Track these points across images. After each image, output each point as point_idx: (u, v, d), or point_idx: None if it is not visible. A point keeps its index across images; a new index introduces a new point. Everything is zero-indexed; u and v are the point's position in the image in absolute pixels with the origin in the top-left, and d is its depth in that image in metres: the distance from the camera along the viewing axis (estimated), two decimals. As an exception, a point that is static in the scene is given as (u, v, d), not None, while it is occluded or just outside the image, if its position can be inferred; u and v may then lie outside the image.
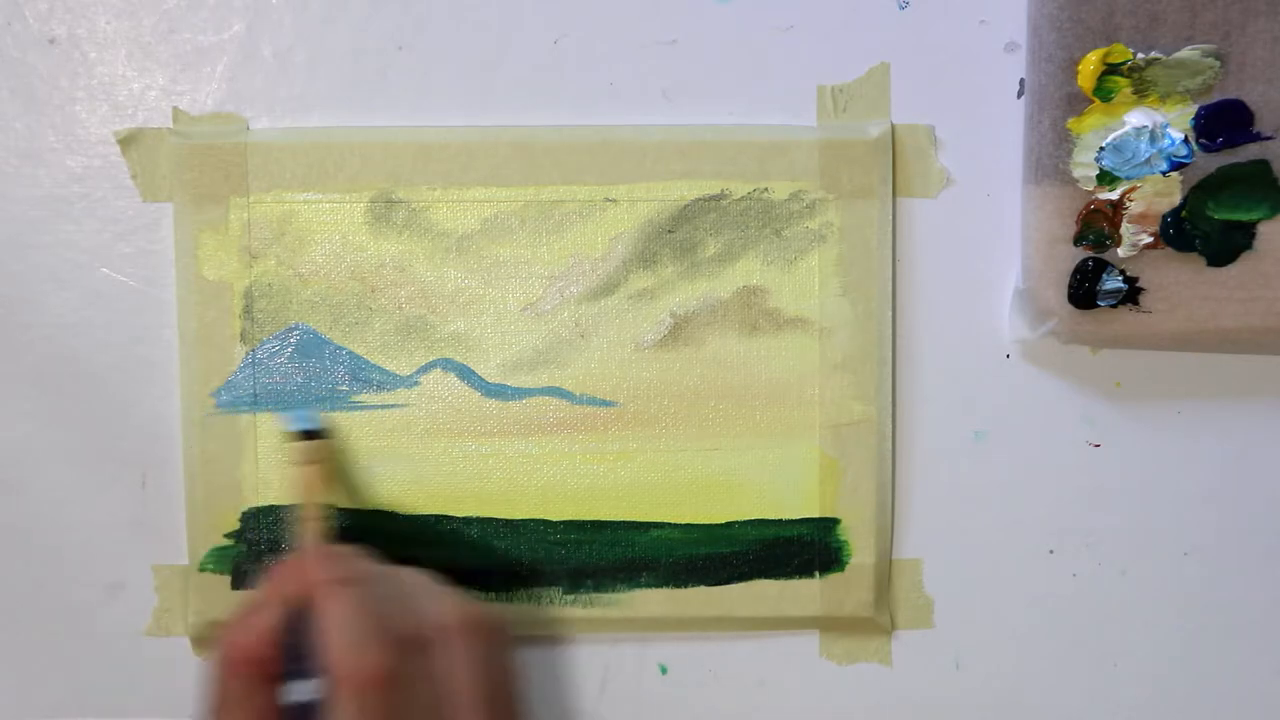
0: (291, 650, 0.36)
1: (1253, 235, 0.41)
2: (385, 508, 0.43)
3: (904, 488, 0.44)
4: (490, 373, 0.42)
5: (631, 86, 0.42)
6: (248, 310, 0.42)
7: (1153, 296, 0.41)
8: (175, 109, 0.42)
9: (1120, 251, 0.41)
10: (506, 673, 0.38)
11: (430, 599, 0.38)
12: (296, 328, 0.42)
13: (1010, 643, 0.44)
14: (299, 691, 0.35)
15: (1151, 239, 0.41)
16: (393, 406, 0.42)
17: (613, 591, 0.43)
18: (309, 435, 0.41)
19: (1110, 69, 0.40)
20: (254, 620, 0.36)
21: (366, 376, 0.42)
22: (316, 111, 0.42)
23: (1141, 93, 0.40)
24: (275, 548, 0.43)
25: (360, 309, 0.42)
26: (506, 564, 0.43)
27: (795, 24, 0.42)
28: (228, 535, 0.43)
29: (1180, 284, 0.41)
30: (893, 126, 0.42)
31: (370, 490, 0.43)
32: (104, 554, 0.43)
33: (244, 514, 0.43)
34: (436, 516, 0.43)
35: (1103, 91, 0.40)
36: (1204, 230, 0.41)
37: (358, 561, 0.38)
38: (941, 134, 0.43)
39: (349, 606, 0.35)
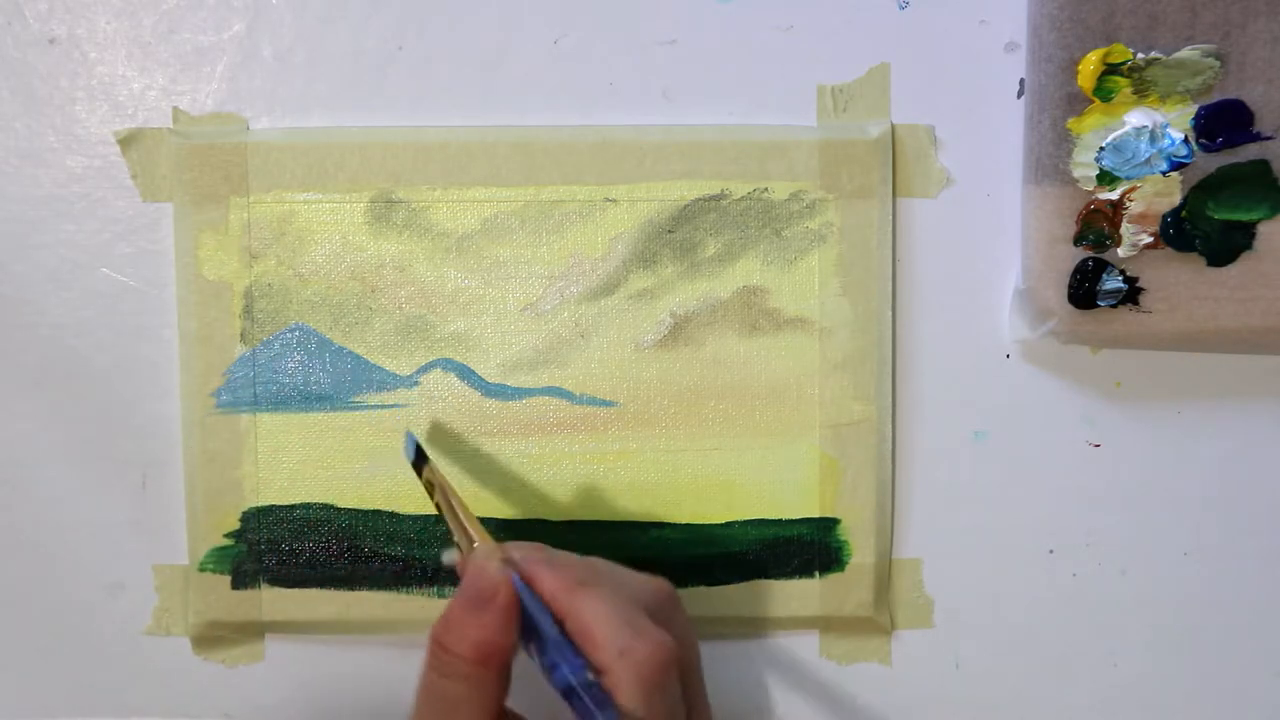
0: (549, 641, 0.34)
1: (1253, 235, 0.41)
2: (385, 508, 0.43)
3: (904, 488, 0.44)
4: (490, 373, 0.42)
5: (631, 86, 0.42)
6: (248, 310, 0.42)
7: (1153, 296, 0.41)
8: (175, 109, 0.42)
9: (1120, 251, 0.41)
10: (695, 634, 0.38)
11: (634, 577, 0.37)
12: (296, 328, 0.42)
13: (1010, 643, 0.44)
14: (571, 673, 0.34)
15: (1151, 239, 0.41)
16: (393, 406, 0.42)
17: (613, 591, 0.43)
18: (421, 458, 0.39)
19: (1110, 69, 0.40)
20: (489, 616, 0.34)
21: (366, 376, 0.42)
22: (316, 111, 0.42)
23: (1141, 93, 0.40)
24: (275, 547, 0.43)
25: (360, 309, 0.42)
26: (506, 564, 0.43)
27: (795, 24, 0.42)
28: (228, 535, 0.43)
29: (1180, 284, 0.41)
30: (893, 126, 0.42)
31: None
32: (104, 554, 0.43)
33: (244, 514, 0.43)
34: (437, 517, 0.43)
35: (1103, 91, 0.40)
36: (1204, 230, 0.41)
37: (567, 558, 0.37)
38: (941, 134, 0.43)
39: (601, 600, 0.34)
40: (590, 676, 0.33)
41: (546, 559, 0.36)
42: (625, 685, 0.33)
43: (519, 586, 0.35)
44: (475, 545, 0.37)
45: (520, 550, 0.36)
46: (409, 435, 0.40)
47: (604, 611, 0.34)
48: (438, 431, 0.43)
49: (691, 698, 0.36)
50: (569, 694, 0.34)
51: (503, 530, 0.43)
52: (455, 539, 0.38)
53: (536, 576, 0.35)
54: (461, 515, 0.37)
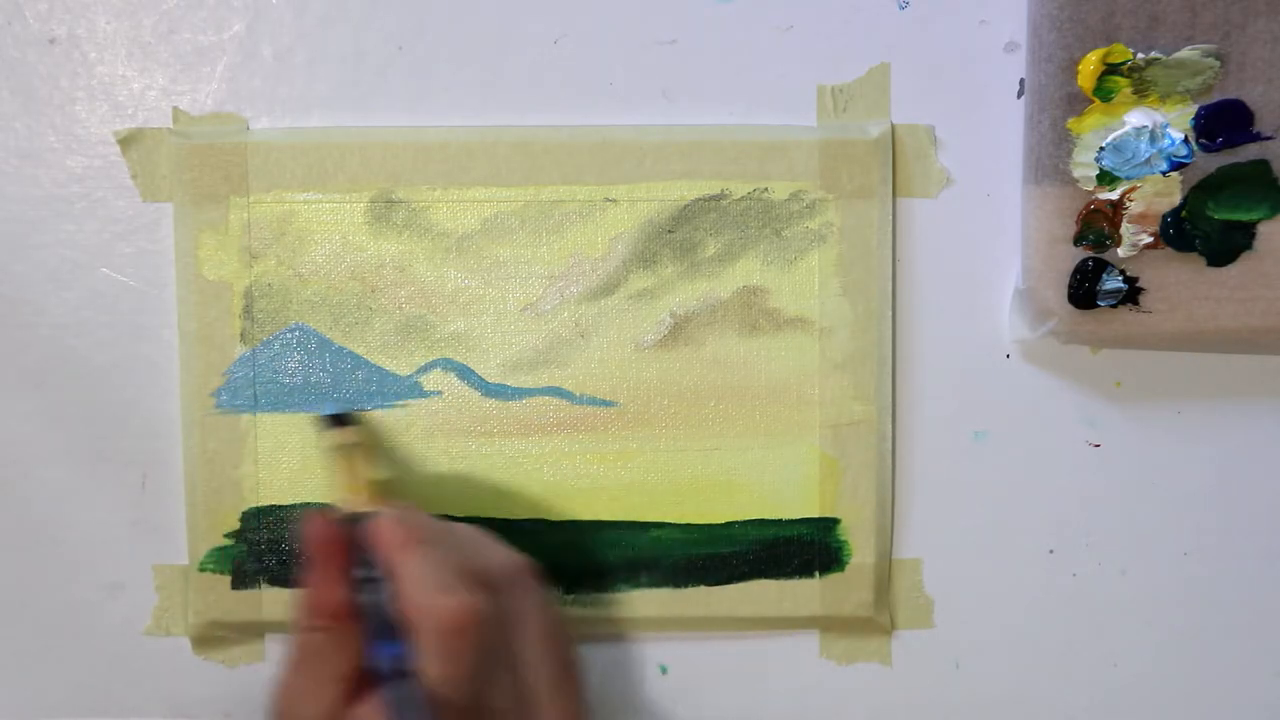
0: (372, 613, 0.36)
1: (1253, 235, 0.41)
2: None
3: (904, 488, 0.44)
4: (490, 373, 0.42)
5: (631, 86, 0.42)
6: (248, 310, 0.42)
7: (1153, 296, 0.41)
8: (175, 109, 0.42)
9: (1120, 251, 0.41)
10: (559, 614, 0.40)
11: (490, 548, 0.39)
12: (296, 328, 0.42)
13: (1010, 643, 0.44)
14: (386, 656, 0.36)
15: (1151, 239, 0.41)
16: (393, 406, 0.42)
17: (613, 591, 0.43)
18: (339, 421, 0.41)
19: (1110, 69, 0.40)
20: (327, 585, 0.37)
21: (366, 376, 0.42)
22: (316, 111, 0.42)
23: (1141, 93, 0.40)
24: (275, 547, 0.43)
25: (360, 309, 0.42)
26: (506, 564, 0.43)
27: (795, 24, 0.42)
28: (228, 535, 0.43)
29: (1180, 284, 0.41)
30: (893, 126, 0.42)
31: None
32: (104, 554, 0.43)
33: (244, 514, 0.43)
34: (437, 516, 0.43)
35: (1103, 91, 0.40)
36: (1204, 230, 0.41)
37: (418, 518, 0.38)
38: (941, 134, 0.43)
39: (425, 559, 0.36)
40: (400, 651, 0.36)
41: (396, 518, 0.38)
42: (423, 641, 0.35)
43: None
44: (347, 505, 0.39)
45: (386, 511, 0.38)
46: (340, 400, 0.42)
47: (421, 571, 0.36)
48: (436, 433, 0.42)
49: (543, 674, 0.38)
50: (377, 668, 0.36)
51: (504, 530, 0.43)
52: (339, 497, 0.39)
53: (379, 535, 0.37)
54: (358, 482, 0.39)
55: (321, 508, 0.40)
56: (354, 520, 0.38)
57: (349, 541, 0.38)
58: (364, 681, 0.36)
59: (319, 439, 0.41)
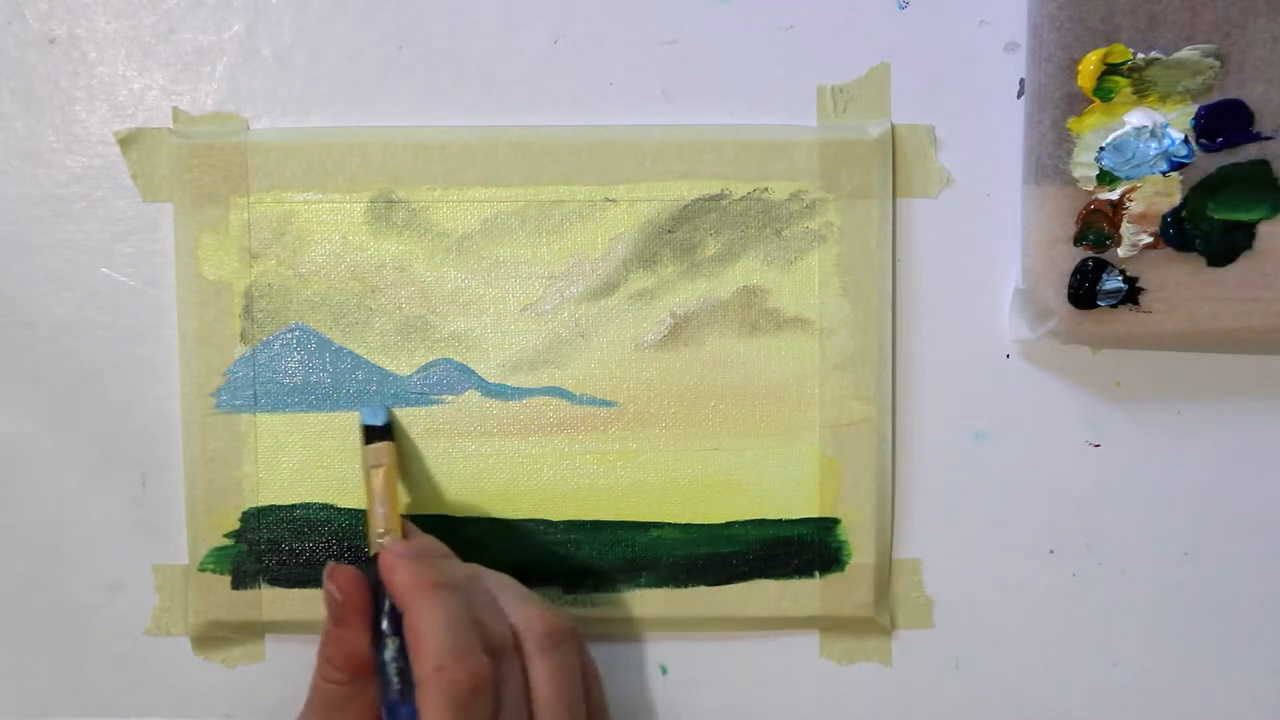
0: (386, 670, 0.35)
1: (1253, 235, 0.41)
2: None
3: (904, 488, 0.44)
4: (490, 373, 0.42)
5: (631, 86, 0.42)
6: (248, 310, 0.42)
7: (1153, 296, 0.41)
8: (175, 109, 0.42)
9: (1120, 251, 0.41)
10: (587, 680, 0.38)
11: (515, 602, 0.37)
12: (296, 328, 0.42)
13: (1010, 643, 0.44)
14: (393, 699, 0.35)
15: (1151, 239, 0.41)
16: (392, 406, 0.42)
17: (613, 591, 0.43)
18: (377, 433, 0.40)
19: (1110, 69, 0.40)
20: (348, 637, 0.36)
21: (366, 376, 0.42)
22: (316, 111, 0.42)
23: (1141, 93, 0.40)
24: (275, 547, 0.43)
25: (360, 309, 0.42)
26: (506, 564, 0.43)
27: (795, 24, 0.42)
28: (228, 535, 0.43)
29: (1180, 284, 0.41)
30: (893, 126, 0.42)
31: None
32: (104, 554, 0.43)
33: (244, 514, 0.43)
34: (437, 516, 0.43)
35: (1103, 91, 0.40)
36: (1204, 230, 0.41)
37: (444, 562, 0.37)
38: (941, 134, 0.43)
39: (440, 609, 0.34)
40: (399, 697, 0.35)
41: (413, 555, 0.36)
42: (429, 702, 0.33)
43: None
44: (377, 534, 0.38)
45: (399, 546, 0.37)
46: (383, 407, 0.41)
47: (436, 622, 0.34)
48: (436, 433, 0.42)
49: None
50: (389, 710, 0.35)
51: (504, 530, 0.43)
52: (368, 520, 0.39)
53: (393, 573, 0.36)
54: (385, 502, 0.38)
55: (345, 559, 0.39)
56: (375, 562, 0.37)
57: (374, 590, 0.36)
58: None
59: (362, 454, 0.40)
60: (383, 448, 0.40)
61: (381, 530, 0.38)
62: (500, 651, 0.35)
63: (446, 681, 0.33)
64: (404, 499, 0.42)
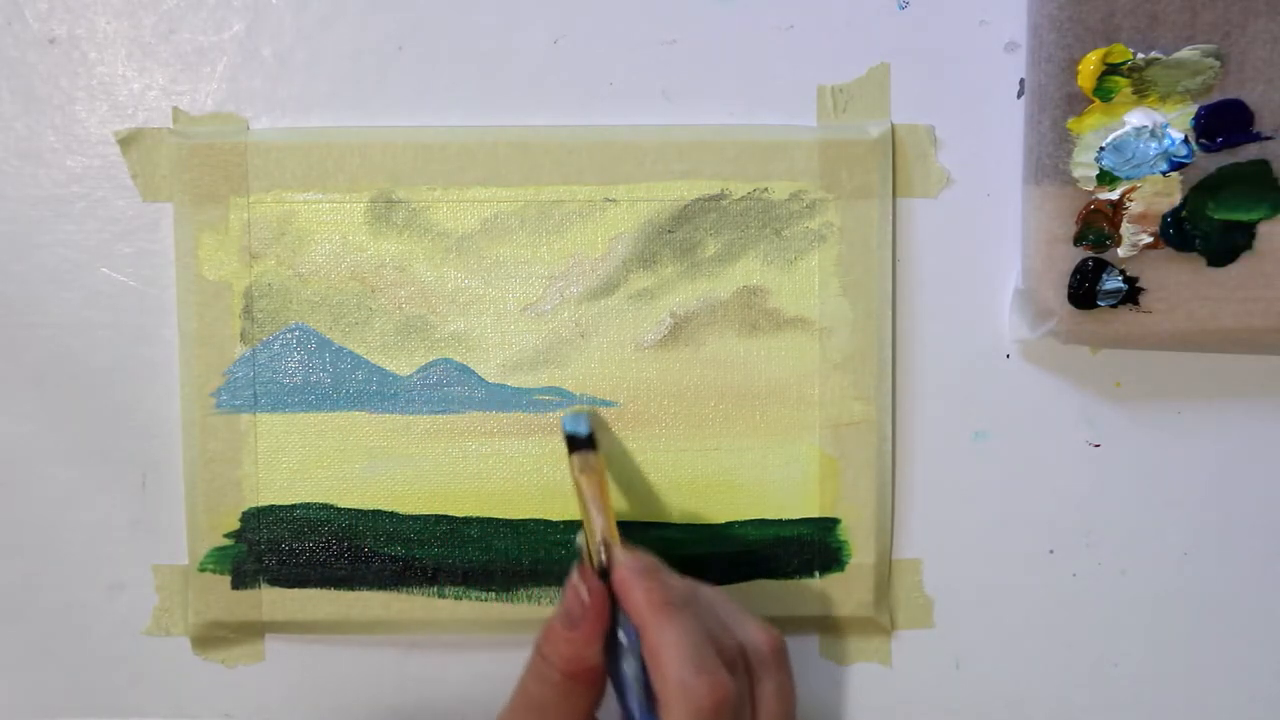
0: (628, 684, 0.36)
1: (1253, 235, 0.41)
2: (385, 508, 0.43)
3: (904, 488, 0.44)
4: (490, 373, 0.42)
5: (631, 86, 0.42)
6: (248, 310, 0.42)
7: (1153, 296, 0.41)
8: (175, 109, 0.42)
9: (1120, 251, 0.41)
10: (794, 697, 0.39)
11: (736, 617, 0.38)
12: (296, 328, 0.42)
13: (1010, 643, 0.44)
14: (637, 713, 0.36)
15: (1151, 239, 0.41)
16: (392, 406, 0.42)
17: (613, 591, 0.43)
18: (581, 441, 0.40)
19: (1110, 69, 0.40)
20: (587, 642, 0.36)
21: (367, 376, 0.42)
22: (316, 111, 0.42)
23: (1141, 93, 0.40)
24: (275, 547, 0.43)
25: (360, 309, 0.42)
26: (506, 564, 0.43)
27: (795, 24, 0.42)
28: (228, 535, 0.43)
29: (1180, 284, 0.41)
30: (893, 126, 0.42)
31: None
32: (104, 554, 0.43)
33: (244, 514, 0.43)
34: (436, 516, 0.43)
35: (1103, 91, 0.40)
36: (1204, 230, 0.41)
37: (672, 578, 0.37)
38: (941, 134, 0.43)
39: (681, 629, 0.35)
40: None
41: (645, 572, 0.37)
42: (675, 718, 0.34)
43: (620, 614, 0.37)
44: (598, 543, 0.38)
45: (630, 561, 0.37)
46: (586, 414, 0.41)
47: (676, 640, 0.35)
48: (436, 433, 0.42)
49: None
50: None
51: (504, 530, 0.43)
52: (585, 528, 0.39)
53: (628, 590, 0.36)
54: (602, 510, 0.38)
55: (590, 557, 0.38)
56: (604, 574, 0.37)
57: (613, 600, 0.37)
58: None
59: (569, 463, 0.40)
60: (589, 456, 0.40)
61: (599, 539, 0.38)
62: (733, 667, 0.36)
63: (690, 698, 0.34)
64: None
